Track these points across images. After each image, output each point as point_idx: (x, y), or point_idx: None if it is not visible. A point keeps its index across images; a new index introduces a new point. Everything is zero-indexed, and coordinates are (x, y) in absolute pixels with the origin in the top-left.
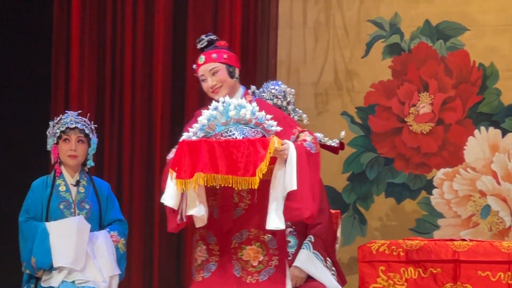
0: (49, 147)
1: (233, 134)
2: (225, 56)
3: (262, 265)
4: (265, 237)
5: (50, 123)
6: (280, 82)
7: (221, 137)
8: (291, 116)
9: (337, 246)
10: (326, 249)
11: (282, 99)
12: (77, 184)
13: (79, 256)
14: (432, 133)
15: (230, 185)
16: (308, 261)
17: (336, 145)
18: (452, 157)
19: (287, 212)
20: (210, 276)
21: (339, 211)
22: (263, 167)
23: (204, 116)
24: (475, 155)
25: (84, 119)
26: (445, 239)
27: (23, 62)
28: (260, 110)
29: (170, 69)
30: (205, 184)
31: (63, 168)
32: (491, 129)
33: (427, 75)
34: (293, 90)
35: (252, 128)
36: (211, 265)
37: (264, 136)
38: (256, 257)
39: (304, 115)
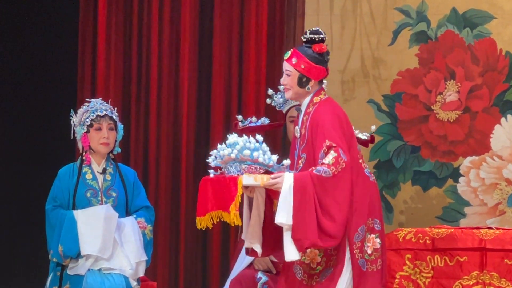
0: (78, 136)
1: (229, 172)
2: (303, 66)
3: (321, 267)
4: None
5: (71, 112)
6: None
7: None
8: None
9: None
10: None
11: None
12: (104, 171)
13: (106, 245)
14: (459, 121)
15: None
16: None
17: (367, 139)
18: (478, 145)
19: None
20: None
21: None
22: (233, 206)
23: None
24: (502, 143)
25: (109, 105)
26: (472, 227)
27: (49, 57)
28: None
29: (197, 58)
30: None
31: (90, 156)
32: None
33: (454, 63)
34: None
35: (250, 164)
36: None
37: (266, 171)
38: (314, 259)
39: None
